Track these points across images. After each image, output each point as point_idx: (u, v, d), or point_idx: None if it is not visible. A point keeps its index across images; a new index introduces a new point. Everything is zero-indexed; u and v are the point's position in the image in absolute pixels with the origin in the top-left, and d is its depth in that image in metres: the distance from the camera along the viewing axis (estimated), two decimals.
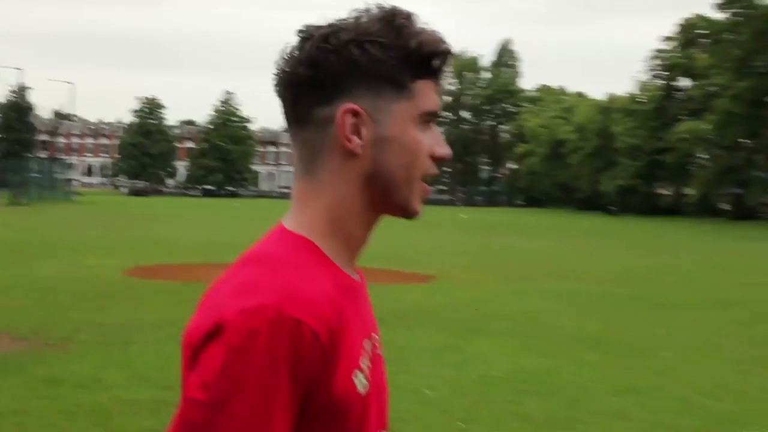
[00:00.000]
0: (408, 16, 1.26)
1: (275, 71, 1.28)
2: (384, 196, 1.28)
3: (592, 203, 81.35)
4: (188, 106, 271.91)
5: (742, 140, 64.36)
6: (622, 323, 12.53)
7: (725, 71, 62.51)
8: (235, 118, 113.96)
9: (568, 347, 10.37)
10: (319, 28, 1.26)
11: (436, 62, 1.28)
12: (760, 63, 59.53)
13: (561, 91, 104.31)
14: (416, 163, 1.28)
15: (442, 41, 1.28)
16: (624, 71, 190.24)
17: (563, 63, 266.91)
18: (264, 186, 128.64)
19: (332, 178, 1.27)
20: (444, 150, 1.31)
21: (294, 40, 1.27)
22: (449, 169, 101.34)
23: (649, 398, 7.96)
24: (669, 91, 75.92)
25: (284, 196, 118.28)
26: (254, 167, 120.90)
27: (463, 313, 12.75)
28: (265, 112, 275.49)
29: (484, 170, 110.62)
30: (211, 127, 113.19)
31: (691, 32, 74.97)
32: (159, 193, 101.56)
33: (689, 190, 72.47)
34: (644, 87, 78.33)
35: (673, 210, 73.87)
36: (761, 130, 62.17)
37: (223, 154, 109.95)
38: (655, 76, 78.00)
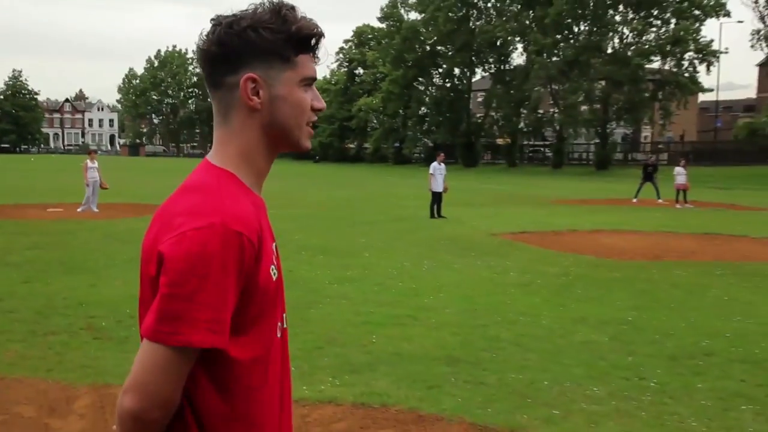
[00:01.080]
0: (292, 8, 1.24)
1: (196, 49, 1.26)
2: (281, 139, 1.27)
3: (304, 155, 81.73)
4: None
5: (399, 111, 67.56)
6: (335, 235, 12.79)
7: (386, 64, 64.93)
8: (24, 91, 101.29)
9: (302, 254, 10.46)
10: (226, 17, 1.23)
11: (311, 42, 1.26)
12: (409, 58, 62.43)
13: None
14: (301, 114, 1.27)
15: (315, 26, 1.26)
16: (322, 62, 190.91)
17: None
18: (52, 144, 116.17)
19: (241, 127, 1.25)
20: (320, 104, 1.30)
21: (208, 26, 1.25)
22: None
23: (360, 284, 8.25)
24: (351, 76, 77.69)
25: (69, 151, 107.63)
26: (44, 130, 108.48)
27: None
28: (50, 85, 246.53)
29: None
30: (2, 98, 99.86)
31: (362, 36, 77.09)
32: None
33: (367, 145, 75.01)
34: (334, 74, 79.55)
35: (357, 158, 76.39)
36: (410, 104, 65.60)
37: (15, 120, 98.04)
38: (340, 66, 79.45)
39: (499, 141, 62.46)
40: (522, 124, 58.60)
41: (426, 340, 5.88)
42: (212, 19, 1.25)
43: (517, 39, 57.56)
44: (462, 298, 7.59)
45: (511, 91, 57.39)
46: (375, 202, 21.31)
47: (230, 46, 1.21)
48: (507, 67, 60.26)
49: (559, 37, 52.49)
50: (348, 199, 22.63)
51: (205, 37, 1.24)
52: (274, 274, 1.24)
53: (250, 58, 1.22)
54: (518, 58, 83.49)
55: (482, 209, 19.41)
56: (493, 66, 61.34)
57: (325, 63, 1.34)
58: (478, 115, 64.50)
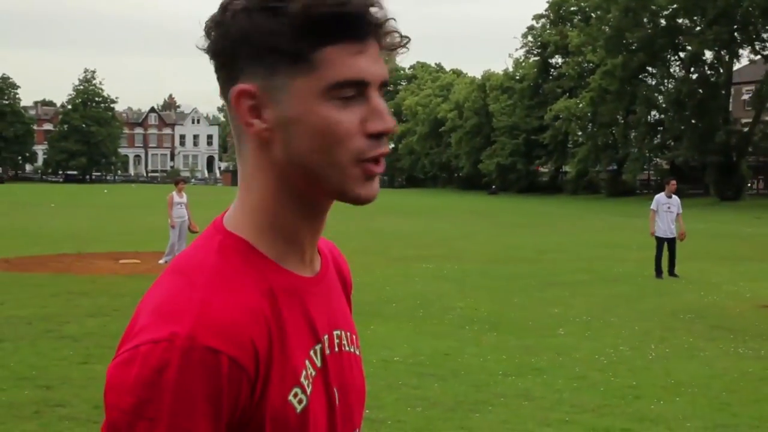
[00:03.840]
0: None
1: None
2: (310, 186, 1.17)
3: (473, 182, 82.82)
4: (46, 85, 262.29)
5: (617, 117, 66.52)
6: (515, 303, 12.78)
7: (598, 48, 64.32)
8: (97, 98, 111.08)
9: (465, 329, 10.52)
10: None
11: (344, 22, 1.12)
12: (632, 38, 61.46)
13: (438, 68, 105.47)
14: (335, 145, 1.13)
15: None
16: (502, 48, 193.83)
17: (439, 39, 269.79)
18: (132, 170, 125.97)
19: (254, 167, 1.19)
20: (379, 124, 1.15)
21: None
22: None
23: (550, 377, 8.15)
24: (544, 68, 77.76)
25: (153, 180, 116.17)
26: (121, 150, 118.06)
27: (355, 298, 12.74)
28: (131, 91, 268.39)
29: None
30: (71, 107, 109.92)
31: (561, 9, 77.13)
32: (17, 179, 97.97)
33: (568, 168, 74.45)
34: (519, 64, 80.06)
35: (552, 188, 75.89)
36: (634, 107, 64.34)
37: (85, 137, 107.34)
38: (528, 54, 79.84)
39: None
40: None
41: None
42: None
43: None
44: (712, 406, 7.29)
45: None
46: (577, 254, 21.07)
47: (221, 43, 1.15)
48: None
49: None
50: (536, 248, 22.52)
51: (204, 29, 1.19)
52: (301, 402, 1.16)
53: (246, 59, 1.14)
54: None
55: (748, 266, 18.65)
56: None
57: (402, 53, 1.21)
58: (744, 121, 61.97)
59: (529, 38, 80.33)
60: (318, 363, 1.21)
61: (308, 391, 1.17)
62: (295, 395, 1.15)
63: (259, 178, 1.19)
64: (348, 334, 1.31)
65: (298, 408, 1.15)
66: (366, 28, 1.14)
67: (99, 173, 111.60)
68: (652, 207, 16.79)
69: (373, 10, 1.14)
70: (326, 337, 1.24)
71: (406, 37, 1.19)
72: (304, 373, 1.17)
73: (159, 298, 1.12)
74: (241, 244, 1.18)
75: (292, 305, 1.18)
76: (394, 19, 1.18)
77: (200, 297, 1.09)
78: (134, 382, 1.04)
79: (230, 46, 1.14)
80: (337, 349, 1.26)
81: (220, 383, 1.06)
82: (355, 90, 1.13)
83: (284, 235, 1.20)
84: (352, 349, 1.32)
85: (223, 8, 1.14)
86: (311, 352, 1.20)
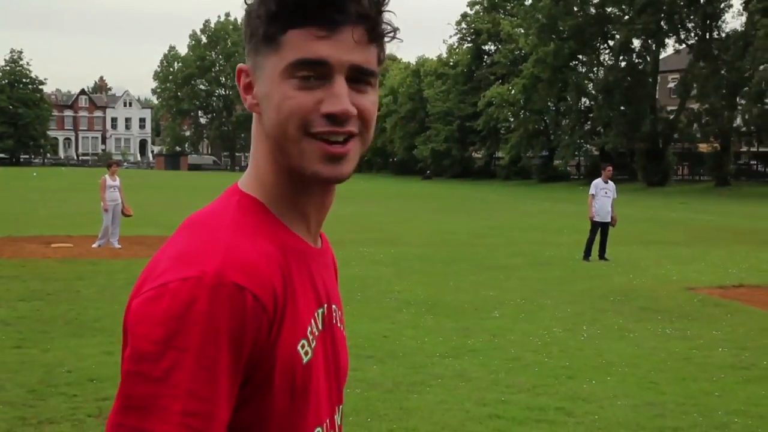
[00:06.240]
0: None
1: None
2: (283, 159, 1.26)
3: (408, 167, 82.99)
4: None
5: (548, 104, 67.21)
6: (451, 287, 12.90)
7: (530, 36, 64.86)
8: (25, 79, 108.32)
9: (402, 312, 10.60)
10: None
11: (308, 9, 1.20)
12: (564, 27, 62.08)
13: None
14: (287, 120, 1.22)
15: None
16: (436, 34, 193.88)
17: None
18: (62, 153, 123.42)
19: (255, 139, 1.32)
20: (330, 106, 1.21)
21: None
22: None
23: (486, 359, 8.25)
24: (477, 54, 78.14)
25: (84, 163, 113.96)
26: (51, 133, 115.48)
27: None
28: (60, 73, 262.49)
29: None
30: None
31: None
32: None
33: (501, 154, 75.00)
34: (453, 51, 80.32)
35: (486, 173, 76.44)
36: (565, 94, 65.04)
37: (12, 119, 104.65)
38: (461, 41, 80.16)
39: (702, 147, 60.78)
40: (739, 121, 56.76)
41: None
42: None
43: None
44: (641, 385, 7.46)
45: (722, 71, 55.81)
46: (511, 238, 21.32)
47: (244, 27, 1.30)
48: (716, 34, 58.74)
49: None
50: (471, 233, 22.72)
51: None
52: (307, 354, 1.23)
53: (246, 42, 1.30)
54: (733, 20, 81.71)
55: (673, 250, 19.04)
56: (693, 34, 59.99)
57: (396, 41, 1.30)
58: (670, 109, 63.18)
59: (463, 25, 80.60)
60: (320, 326, 1.30)
61: (313, 345, 1.26)
62: (302, 346, 1.23)
63: (258, 149, 1.31)
64: (339, 312, 1.40)
65: (305, 359, 1.23)
66: (335, 16, 1.21)
67: (27, 156, 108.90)
68: (591, 192, 17.12)
69: (358, 2, 1.22)
70: (326, 305, 1.34)
71: (395, 27, 1.28)
72: (309, 328, 1.26)
73: (180, 246, 1.20)
74: (257, 204, 1.28)
75: (300, 265, 1.27)
76: (388, 11, 1.26)
77: (224, 242, 1.18)
78: (164, 314, 1.11)
79: (245, 31, 1.29)
80: (335, 321, 1.37)
81: (244, 318, 1.13)
82: (312, 71, 1.22)
83: (287, 203, 1.30)
84: (341, 327, 1.40)
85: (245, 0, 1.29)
86: (315, 314, 1.29)
